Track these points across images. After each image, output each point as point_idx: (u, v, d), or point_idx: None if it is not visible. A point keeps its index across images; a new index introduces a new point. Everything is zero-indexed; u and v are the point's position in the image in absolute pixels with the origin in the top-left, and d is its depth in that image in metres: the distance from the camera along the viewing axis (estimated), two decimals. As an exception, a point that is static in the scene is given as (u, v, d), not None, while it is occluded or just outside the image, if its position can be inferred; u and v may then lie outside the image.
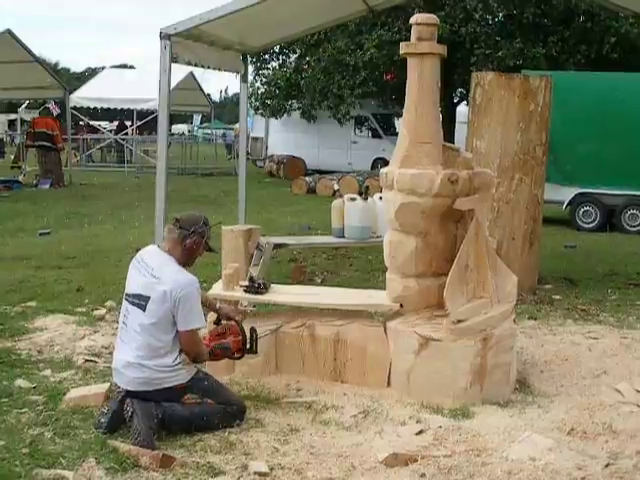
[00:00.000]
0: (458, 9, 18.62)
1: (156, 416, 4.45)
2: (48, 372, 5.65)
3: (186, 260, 4.75)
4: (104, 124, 38.74)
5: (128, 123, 30.35)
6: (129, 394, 4.56)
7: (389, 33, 18.98)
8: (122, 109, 28.65)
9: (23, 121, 35.97)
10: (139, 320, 4.56)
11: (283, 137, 26.62)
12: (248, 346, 5.07)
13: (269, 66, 24.99)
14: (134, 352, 4.55)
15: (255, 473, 4.06)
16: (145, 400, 4.51)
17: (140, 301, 4.58)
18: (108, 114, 30.98)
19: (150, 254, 4.78)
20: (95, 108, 28.55)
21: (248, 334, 5.07)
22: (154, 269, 4.61)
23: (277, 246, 7.90)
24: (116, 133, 30.62)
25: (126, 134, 29.42)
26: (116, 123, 34.30)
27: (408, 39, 5.52)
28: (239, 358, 5.15)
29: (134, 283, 4.68)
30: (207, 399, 4.71)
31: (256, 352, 5.17)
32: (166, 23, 7.53)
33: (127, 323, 4.65)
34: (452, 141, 14.92)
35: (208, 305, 5.14)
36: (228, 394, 4.83)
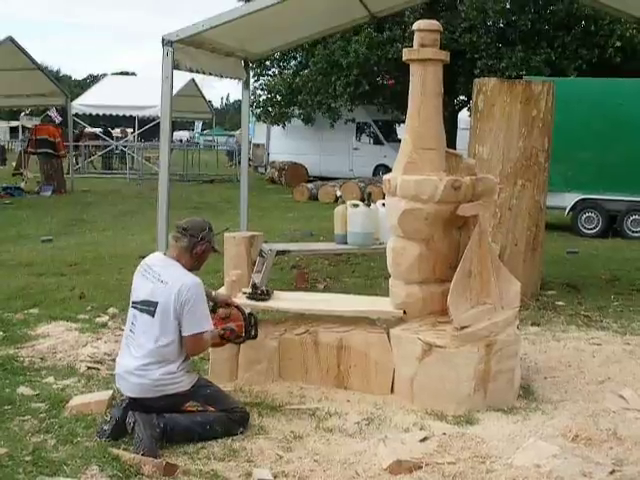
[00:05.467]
0: (458, 18, 18.61)
1: (158, 426, 4.43)
2: (51, 379, 5.64)
3: (194, 266, 4.78)
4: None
5: (129, 130, 30.33)
6: (131, 403, 4.56)
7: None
8: (124, 116, 28.69)
9: (24, 128, 36.02)
10: (148, 326, 4.57)
11: (284, 144, 26.64)
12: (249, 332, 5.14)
13: (270, 72, 24.99)
14: (140, 358, 4.55)
15: (259, 480, 4.05)
16: (147, 408, 4.50)
17: (149, 307, 4.58)
18: (109, 121, 30.94)
19: (155, 261, 4.80)
20: (97, 115, 28.60)
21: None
22: (161, 275, 4.63)
23: (280, 253, 7.89)
24: (117, 140, 30.61)
25: (127, 141, 29.39)
26: (118, 130, 34.32)
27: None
28: (241, 342, 5.23)
29: (141, 290, 4.69)
30: (209, 407, 4.69)
31: (256, 337, 5.22)
32: (168, 30, 7.54)
33: (134, 331, 4.65)
34: (454, 147, 14.85)
35: None
36: (230, 401, 4.82)
